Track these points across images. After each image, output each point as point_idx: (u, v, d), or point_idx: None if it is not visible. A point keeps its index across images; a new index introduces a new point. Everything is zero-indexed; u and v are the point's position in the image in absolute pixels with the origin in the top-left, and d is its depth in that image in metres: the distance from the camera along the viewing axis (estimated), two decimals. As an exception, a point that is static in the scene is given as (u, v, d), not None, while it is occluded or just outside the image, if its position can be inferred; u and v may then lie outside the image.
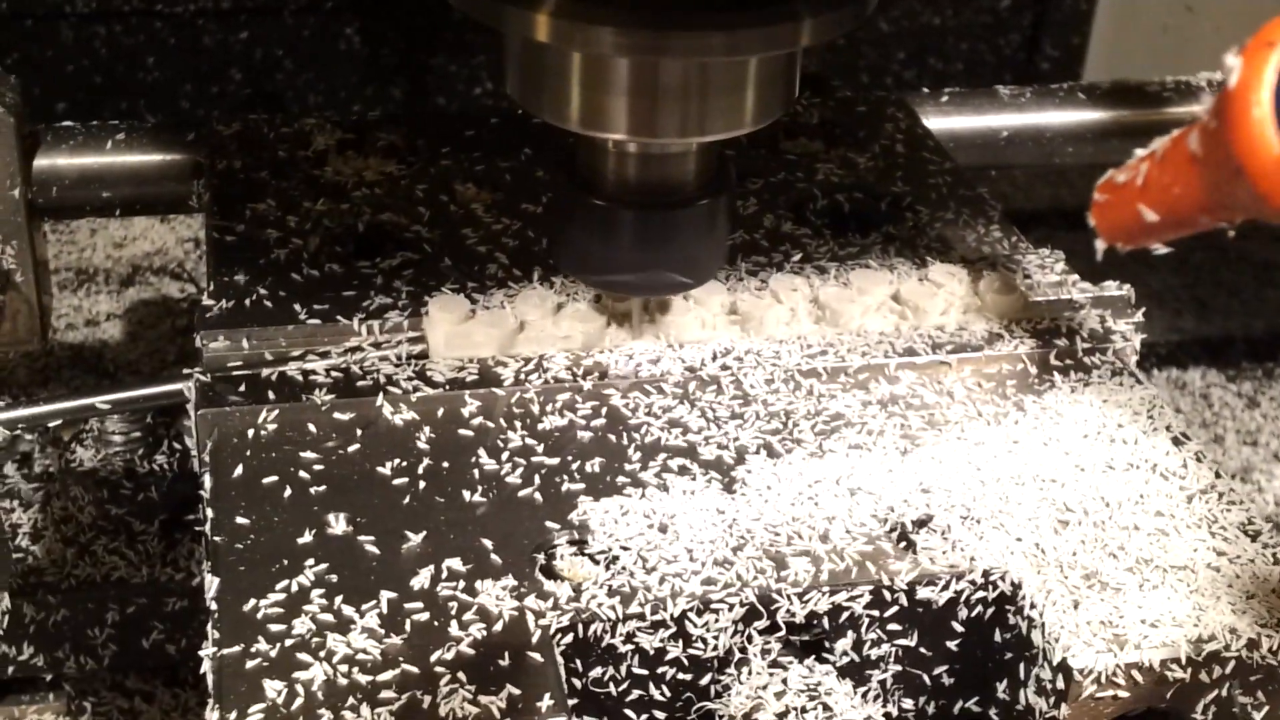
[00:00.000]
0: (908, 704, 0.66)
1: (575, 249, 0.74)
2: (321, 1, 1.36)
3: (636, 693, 0.63)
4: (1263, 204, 0.52)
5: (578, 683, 0.61)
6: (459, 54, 1.41)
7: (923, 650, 0.65)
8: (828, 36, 0.68)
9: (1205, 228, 0.58)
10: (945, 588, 0.63)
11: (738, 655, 0.63)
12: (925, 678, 0.65)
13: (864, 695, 0.64)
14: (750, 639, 0.63)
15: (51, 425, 0.94)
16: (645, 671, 0.62)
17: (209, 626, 0.61)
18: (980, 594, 0.64)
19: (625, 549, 0.64)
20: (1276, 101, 0.51)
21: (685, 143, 0.70)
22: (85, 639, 0.89)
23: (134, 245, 1.43)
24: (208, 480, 0.68)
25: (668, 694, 0.63)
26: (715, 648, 0.62)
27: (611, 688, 0.62)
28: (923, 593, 0.63)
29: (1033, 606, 0.62)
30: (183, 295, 1.34)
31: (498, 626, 0.60)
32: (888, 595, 0.63)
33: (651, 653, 0.62)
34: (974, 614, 0.64)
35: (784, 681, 0.62)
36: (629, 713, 0.63)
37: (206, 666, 0.58)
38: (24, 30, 1.34)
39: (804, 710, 0.61)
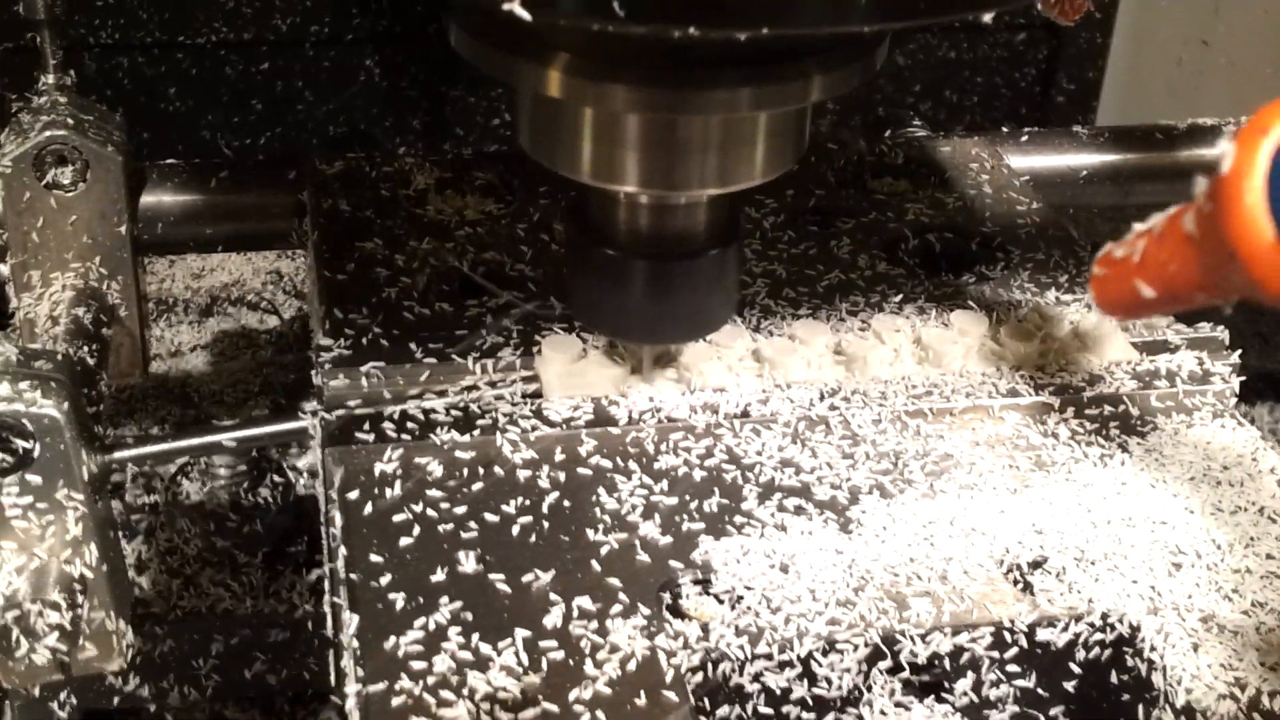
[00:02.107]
0: (1024, 743, 0.67)
1: (587, 298, 0.75)
2: (342, 34, 1.38)
3: (761, 731, 0.64)
4: (1257, 289, 0.53)
5: (705, 721, 0.63)
6: (477, 86, 1.43)
7: (1040, 691, 0.66)
8: (836, 92, 0.69)
9: (1202, 305, 0.58)
10: (1065, 629, 0.65)
11: (859, 695, 0.64)
12: (1042, 718, 0.66)
13: (983, 734, 0.65)
14: (872, 679, 0.64)
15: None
16: (770, 711, 0.64)
17: (349, 663, 0.63)
18: (1098, 636, 0.65)
19: (749, 589, 0.65)
20: (1271, 188, 0.51)
21: (695, 195, 0.71)
22: (189, 670, 0.92)
23: (211, 276, 1.45)
24: (337, 517, 0.69)
25: (792, 733, 0.64)
26: (839, 687, 0.64)
27: (738, 726, 0.64)
28: (1042, 634, 0.64)
29: (1153, 649, 0.63)
30: (262, 326, 1.37)
31: (631, 665, 0.61)
32: (1008, 636, 0.64)
33: (778, 692, 0.63)
34: (1091, 655, 0.65)
35: (908, 720, 0.63)
36: (754, 751, 0.64)
37: (351, 705, 0.60)
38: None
39: (931, 749, 0.62)
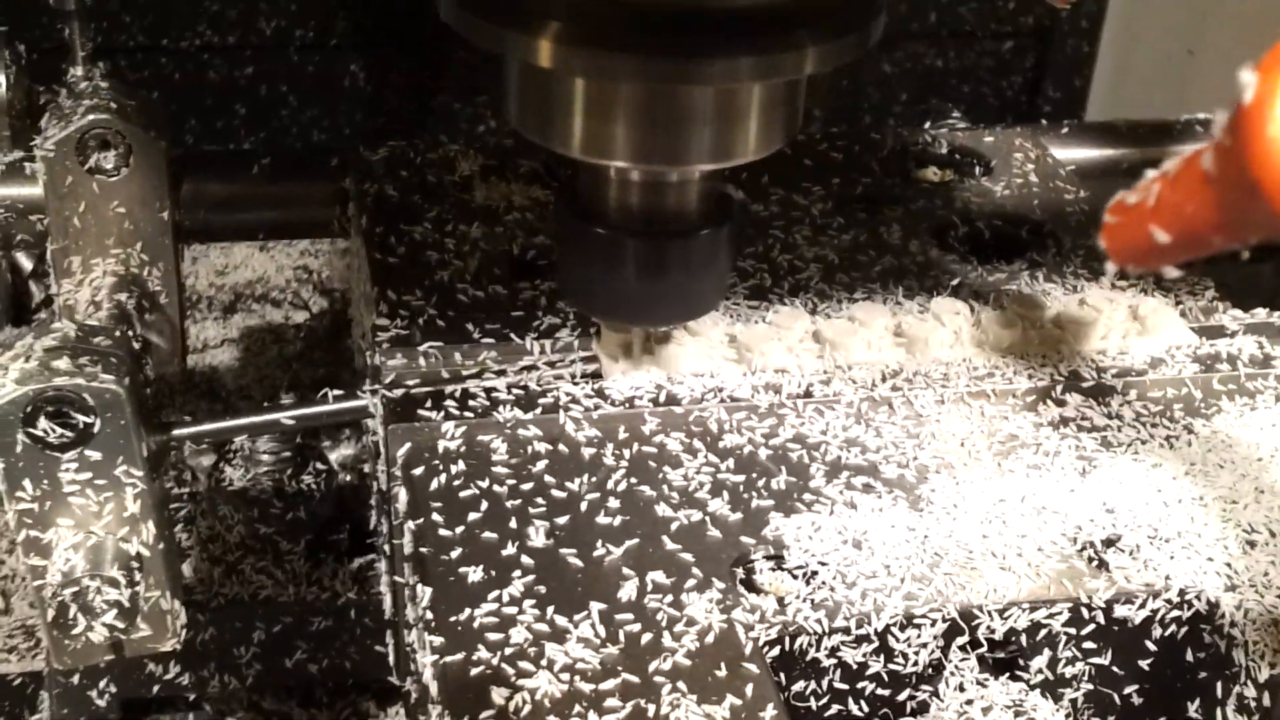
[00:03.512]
0: (1096, 723, 0.66)
1: (577, 278, 0.74)
2: (326, 39, 1.38)
3: (836, 708, 0.63)
4: (1275, 215, 0.52)
5: (780, 697, 0.62)
6: (463, 92, 1.42)
7: (1115, 669, 0.65)
8: (831, 65, 0.67)
9: (1218, 249, 0.57)
10: (1142, 606, 0.64)
11: (936, 672, 0.64)
12: (1115, 698, 0.66)
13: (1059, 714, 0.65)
14: (948, 655, 0.64)
15: (196, 446, 0.95)
16: (846, 686, 0.63)
17: (417, 638, 0.62)
18: (1175, 613, 0.64)
19: (823, 564, 0.65)
20: None
21: (688, 171, 0.70)
22: (231, 658, 0.90)
23: (235, 273, 1.44)
24: (402, 493, 0.69)
25: (865, 710, 0.64)
26: (916, 663, 0.63)
27: (812, 702, 0.63)
28: (1120, 611, 0.64)
29: (1233, 624, 0.63)
30: (289, 322, 1.36)
31: (709, 639, 0.60)
32: (1085, 613, 0.64)
33: (854, 667, 0.63)
34: (1168, 633, 0.65)
35: (985, 698, 0.63)
36: (828, 727, 0.63)
37: (428, 675, 0.59)
38: (31, 66, 1.36)
39: (1013, 724, 0.61)
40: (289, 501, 0.93)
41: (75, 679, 0.88)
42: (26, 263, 1.26)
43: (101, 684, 0.89)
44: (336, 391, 0.76)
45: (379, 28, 1.39)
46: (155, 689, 0.90)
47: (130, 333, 0.84)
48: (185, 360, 1.02)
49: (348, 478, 1.00)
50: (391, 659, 0.77)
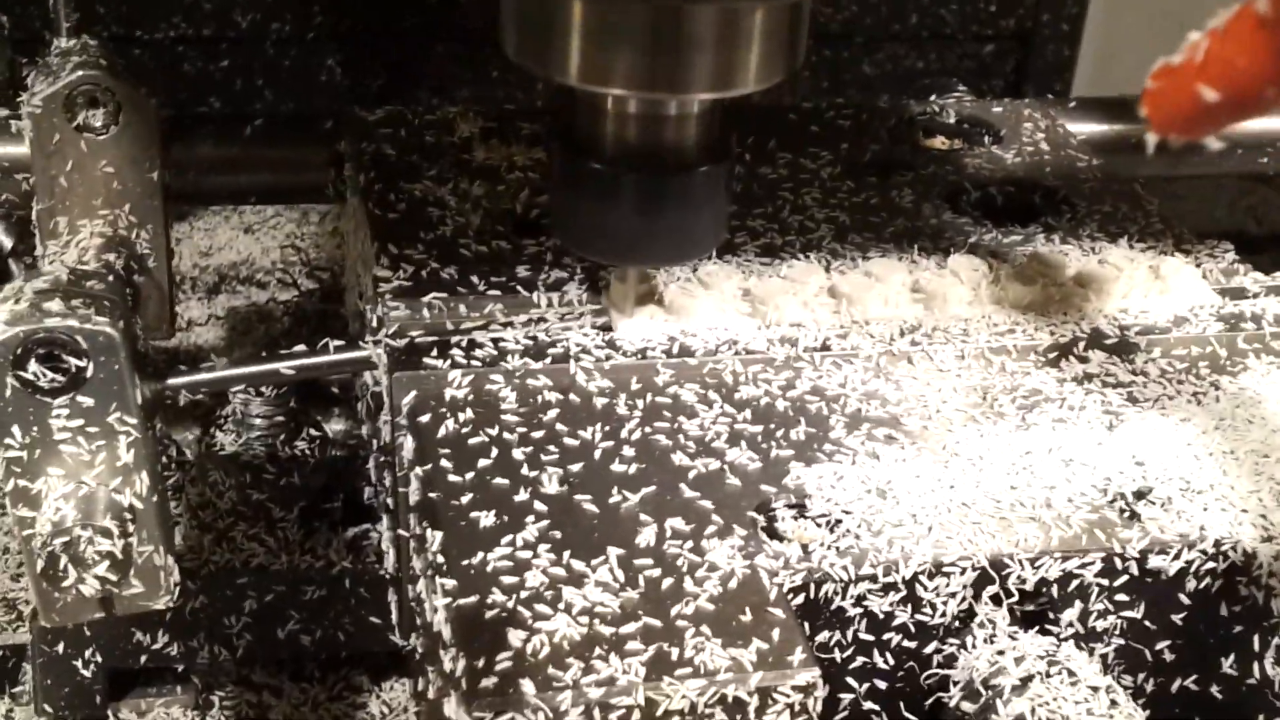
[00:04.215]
0: (1127, 680, 0.64)
1: (571, 217, 0.71)
2: (303, 32, 1.35)
3: (861, 660, 0.61)
4: None
5: (808, 641, 0.59)
6: (441, 89, 1.40)
7: (1147, 623, 0.63)
8: None
9: (1268, 107, 0.55)
10: (1176, 557, 0.62)
11: (964, 624, 0.61)
12: (1147, 653, 0.64)
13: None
14: (977, 606, 0.61)
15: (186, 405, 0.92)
16: (871, 638, 0.61)
17: (425, 587, 0.59)
18: (1210, 564, 0.62)
19: (847, 513, 0.62)
20: None
21: (686, 100, 0.68)
22: (221, 627, 0.87)
23: (220, 255, 1.41)
24: (408, 441, 0.66)
25: (892, 662, 0.61)
26: (944, 614, 0.61)
27: (836, 653, 0.61)
28: (1153, 561, 0.62)
29: (1270, 575, 0.61)
30: (275, 302, 1.33)
31: (733, 584, 0.58)
32: (1118, 563, 0.62)
33: (880, 617, 0.60)
34: (1202, 585, 0.63)
35: (1017, 649, 0.60)
36: (850, 681, 0.61)
37: (439, 620, 0.56)
38: (3, 57, 1.33)
39: (1047, 675, 0.59)
40: (282, 467, 0.90)
41: (60, 648, 0.85)
42: (6, 240, 1.23)
43: (87, 653, 0.86)
44: (337, 342, 0.73)
45: (356, 22, 1.37)
46: (142, 659, 0.87)
47: (122, 282, 0.81)
48: (174, 328, 0.99)
49: (341, 453, 0.98)
50: (395, 617, 0.74)
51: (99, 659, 0.86)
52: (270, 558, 0.87)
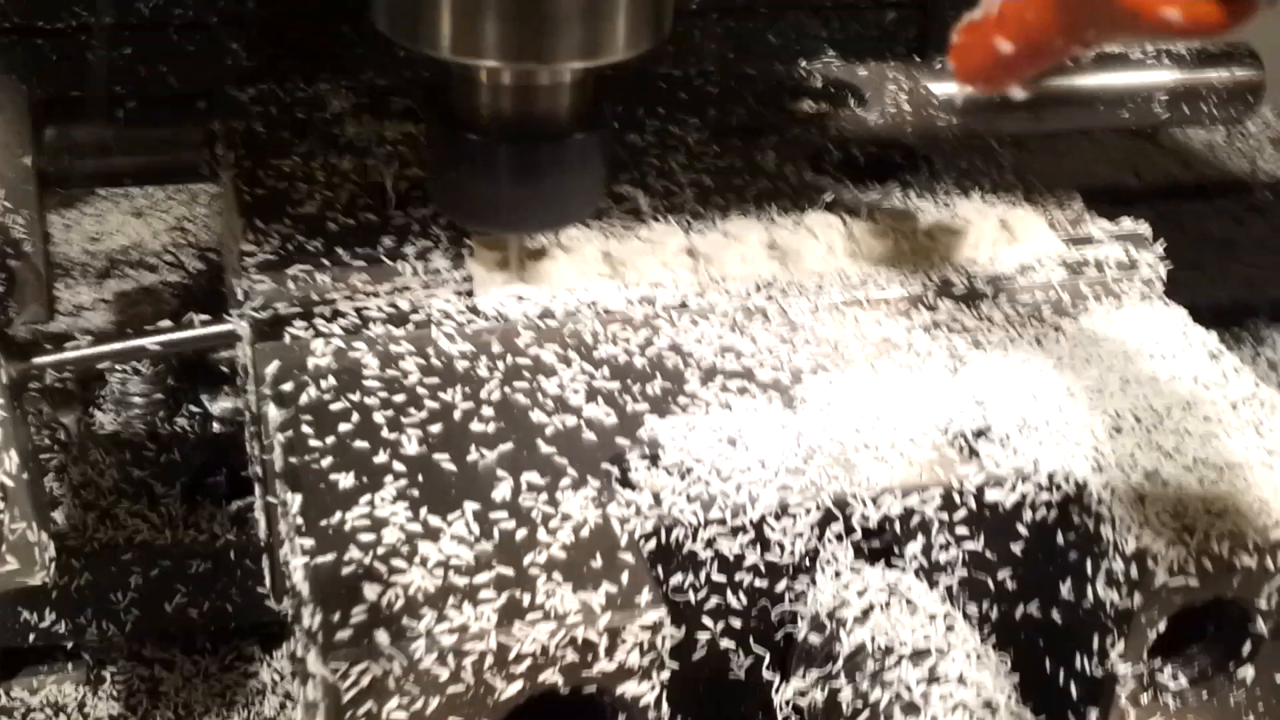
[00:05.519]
0: (971, 610, 0.67)
1: (451, 188, 0.73)
2: (206, 18, 1.34)
3: (714, 600, 0.63)
4: (1113, 5, 0.53)
5: (656, 582, 0.62)
6: (344, 74, 1.41)
7: (988, 554, 0.66)
8: None
9: (1059, 55, 0.59)
10: (1012, 489, 0.65)
11: (811, 562, 0.64)
12: (990, 582, 0.67)
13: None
14: (823, 544, 0.64)
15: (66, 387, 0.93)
16: (723, 578, 0.63)
17: (293, 538, 0.61)
18: (1045, 496, 0.65)
19: (699, 461, 0.65)
20: None
21: (558, 70, 0.69)
22: (108, 604, 0.88)
23: (109, 240, 1.41)
24: (271, 409, 0.67)
25: (744, 601, 0.64)
26: (792, 553, 0.63)
27: (690, 595, 0.63)
28: (991, 495, 0.65)
29: (1100, 502, 0.64)
30: (165, 285, 1.33)
31: (584, 532, 0.60)
32: (957, 498, 0.65)
33: (731, 559, 0.63)
34: (1039, 516, 0.66)
35: (862, 581, 0.63)
36: (706, 620, 0.63)
37: (299, 577, 0.58)
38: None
39: (887, 606, 0.62)
40: (163, 444, 0.91)
41: (-52, 630, 0.86)
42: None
43: (-25, 635, 0.86)
44: (203, 316, 0.74)
45: (259, 7, 1.36)
46: (31, 638, 0.88)
47: (-9, 267, 0.82)
48: (52, 313, 1.00)
49: (225, 429, 0.99)
50: (269, 582, 0.76)
51: (-12, 640, 0.87)
52: (154, 534, 0.88)
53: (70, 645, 0.90)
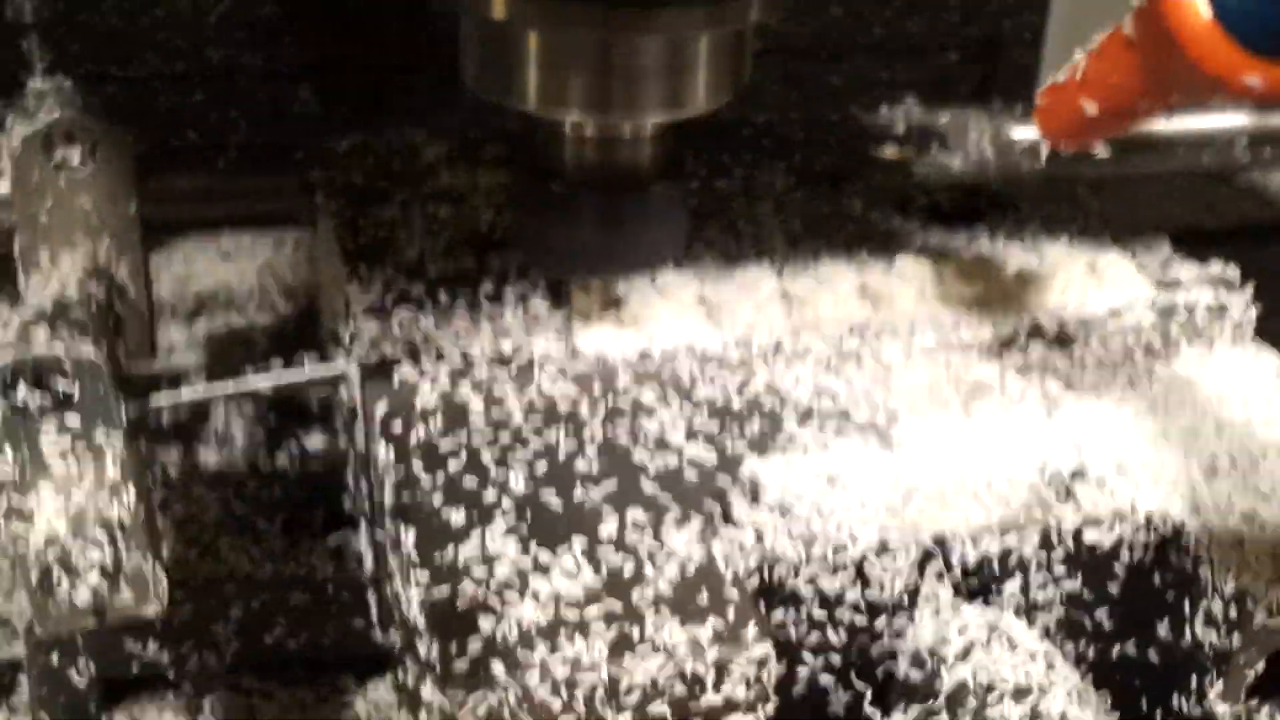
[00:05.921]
0: (1069, 649, 0.68)
1: (535, 236, 0.76)
2: (276, 66, 1.38)
3: (815, 636, 0.64)
4: (1195, 73, 0.54)
5: (762, 617, 0.63)
6: (411, 118, 1.44)
7: (1086, 594, 0.67)
8: (775, 12, 0.70)
9: (1144, 116, 0.61)
10: (1110, 529, 0.66)
11: (911, 600, 0.65)
12: (1087, 622, 0.68)
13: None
14: (922, 582, 0.65)
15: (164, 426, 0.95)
16: (824, 614, 0.64)
17: (399, 577, 0.63)
18: (1142, 537, 0.66)
19: (799, 499, 0.66)
20: None
21: (640, 123, 0.72)
22: (209, 636, 0.90)
23: (198, 281, 1.44)
24: (382, 449, 0.69)
25: (844, 638, 0.65)
26: (892, 590, 0.64)
27: (792, 631, 0.64)
28: (1089, 535, 0.66)
29: (1198, 543, 0.64)
30: (255, 327, 1.36)
31: (690, 568, 0.62)
32: (1055, 538, 0.66)
33: (831, 596, 0.64)
34: (1136, 557, 0.66)
35: (961, 620, 0.64)
36: (807, 656, 0.65)
37: (414, 611, 0.60)
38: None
39: (988, 643, 0.63)
40: (264, 480, 0.94)
41: (54, 659, 0.88)
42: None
43: (80, 663, 0.89)
44: (311, 357, 0.77)
45: (330, 55, 1.40)
46: (134, 667, 0.90)
47: (104, 310, 0.85)
48: (154, 353, 1.02)
49: (321, 466, 1.01)
50: (375, 615, 0.78)
51: (92, 669, 0.89)
52: (254, 567, 0.90)
53: (171, 675, 0.92)
